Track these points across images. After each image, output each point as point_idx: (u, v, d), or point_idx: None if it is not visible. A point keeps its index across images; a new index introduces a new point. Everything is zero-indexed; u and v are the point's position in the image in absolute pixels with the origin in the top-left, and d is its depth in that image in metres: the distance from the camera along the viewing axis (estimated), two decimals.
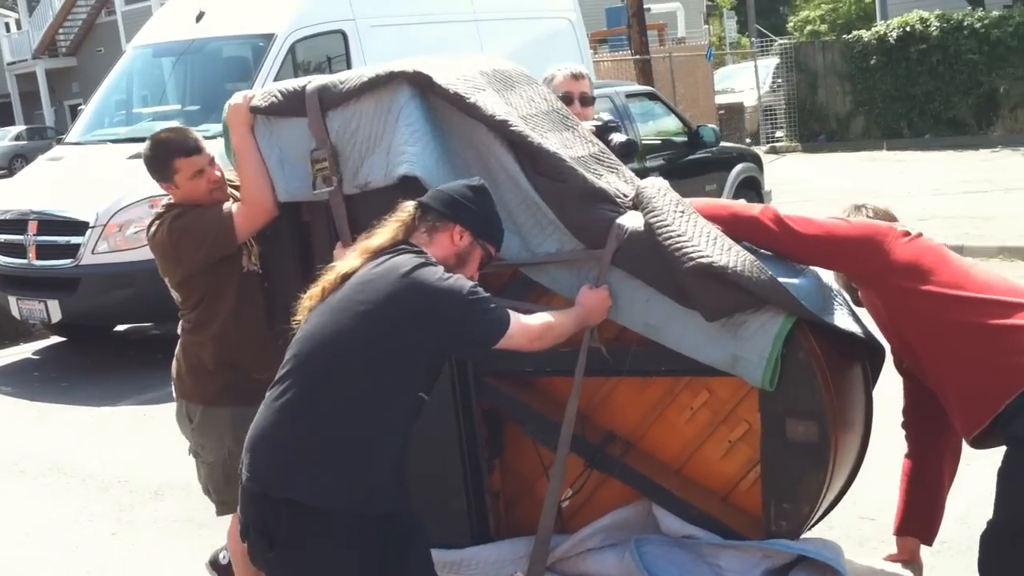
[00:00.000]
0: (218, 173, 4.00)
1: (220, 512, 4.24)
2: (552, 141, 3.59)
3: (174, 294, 4.14)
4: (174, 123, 4.89)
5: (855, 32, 23.06)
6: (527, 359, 3.52)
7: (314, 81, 3.88)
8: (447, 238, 3.17)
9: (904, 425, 3.55)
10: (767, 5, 45.42)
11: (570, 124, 3.78)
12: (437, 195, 3.23)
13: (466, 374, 3.78)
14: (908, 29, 21.03)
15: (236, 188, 4.07)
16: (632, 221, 3.44)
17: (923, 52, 20.84)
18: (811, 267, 3.44)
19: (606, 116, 5.13)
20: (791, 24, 40.26)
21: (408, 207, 3.24)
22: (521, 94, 3.76)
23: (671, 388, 3.61)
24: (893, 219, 3.51)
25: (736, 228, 3.39)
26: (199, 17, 10.97)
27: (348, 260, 3.18)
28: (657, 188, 3.44)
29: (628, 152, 4.91)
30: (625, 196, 3.54)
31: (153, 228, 4.04)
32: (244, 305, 4.06)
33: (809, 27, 38.88)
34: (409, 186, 3.59)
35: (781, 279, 3.22)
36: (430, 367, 3.14)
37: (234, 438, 4.02)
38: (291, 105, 3.87)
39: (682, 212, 3.37)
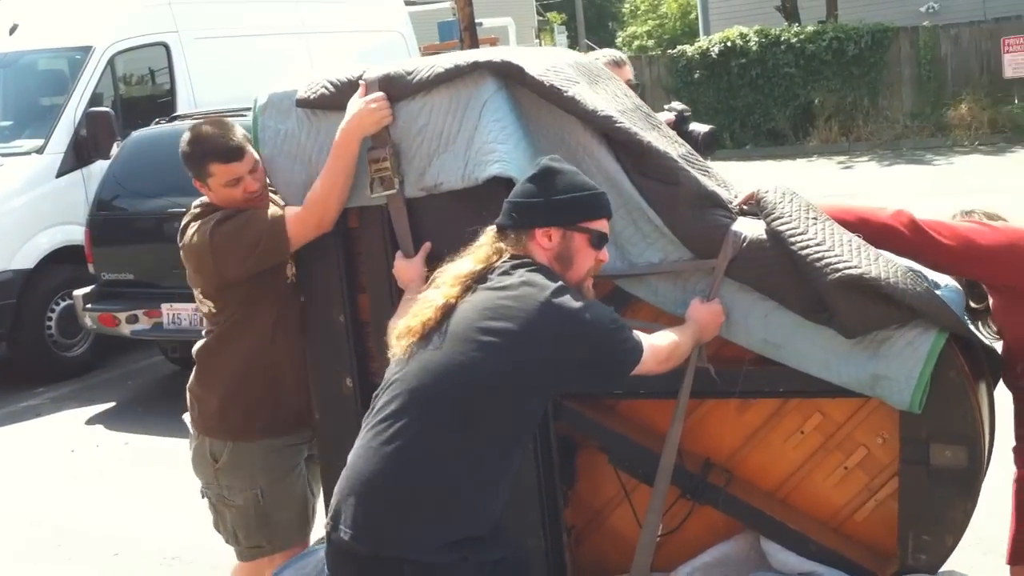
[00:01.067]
0: (256, 184, 3.52)
1: (246, 558, 3.74)
2: (654, 140, 3.28)
3: (202, 305, 3.63)
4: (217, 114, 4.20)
5: (679, 47, 23.44)
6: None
7: (370, 70, 3.45)
8: (537, 247, 2.83)
9: (1017, 449, 3.38)
10: (596, 21, 46.12)
11: (654, 122, 3.46)
12: (505, 209, 2.89)
13: None
14: (729, 44, 21.51)
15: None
16: (748, 228, 3.17)
17: (743, 66, 21.34)
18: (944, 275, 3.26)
19: (678, 105, 4.81)
20: (619, 39, 40.77)
21: (488, 234, 2.89)
22: (607, 88, 3.43)
23: (776, 410, 3.35)
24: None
25: (865, 234, 3.15)
26: (12, 30, 10.72)
27: (443, 290, 2.79)
28: (781, 193, 3.18)
29: (712, 142, 4.65)
30: (731, 201, 3.28)
31: (190, 232, 3.52)
32: (283, 319, 3.62)
33: (637, 42, 39.47)
34: (490, 188, 3.23)
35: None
36: (547, 401, 2.82)
37: (266, 475, 3.58)
38: (343, 97, 3.44)
39: (815, 218, 3.12)
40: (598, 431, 3.47)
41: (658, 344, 2.92)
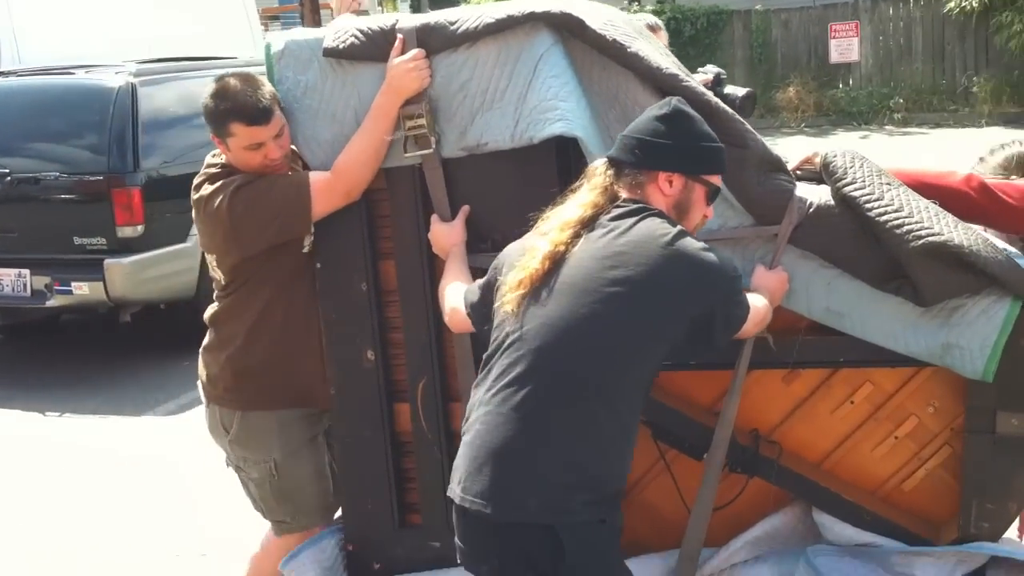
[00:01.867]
0: (279, 152, 3.23)
1: (279, 532, 3.51)
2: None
3: (215, 272, 3.35)
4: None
5: None
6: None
7: (405, 20, 3.22)
8: (656, 191, 2.70)
9: None
10: None
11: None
12: (625, 144, 2.72)
13: None
14: None
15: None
16: (813, 194, 3.10)
17: None
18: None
19: (712, 68, 4.69)
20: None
21: (597, 168, 2.73)
22: (658, 48, 3.29)
23: (824, 380, 3.28)
24: None
25: (933, 199, 3.10)
26: None
27: (551, 237, 2.62)
28: (851, 157, 3.11)
29: (750, 105, 4.54)
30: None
31: (207, 193, 3.22)
32: (297, 288, 3.36)
33: None
34: (540, 149, 3.07)
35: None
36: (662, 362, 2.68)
37: (281, 447, 3.35)
38: (376, 48, 3.19)
39: (889, 184, 3.06)
40: (658, 409, 3.33)
41: (756, 305, 2.82)
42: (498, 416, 2.52)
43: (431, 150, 3.17)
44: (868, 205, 2.97)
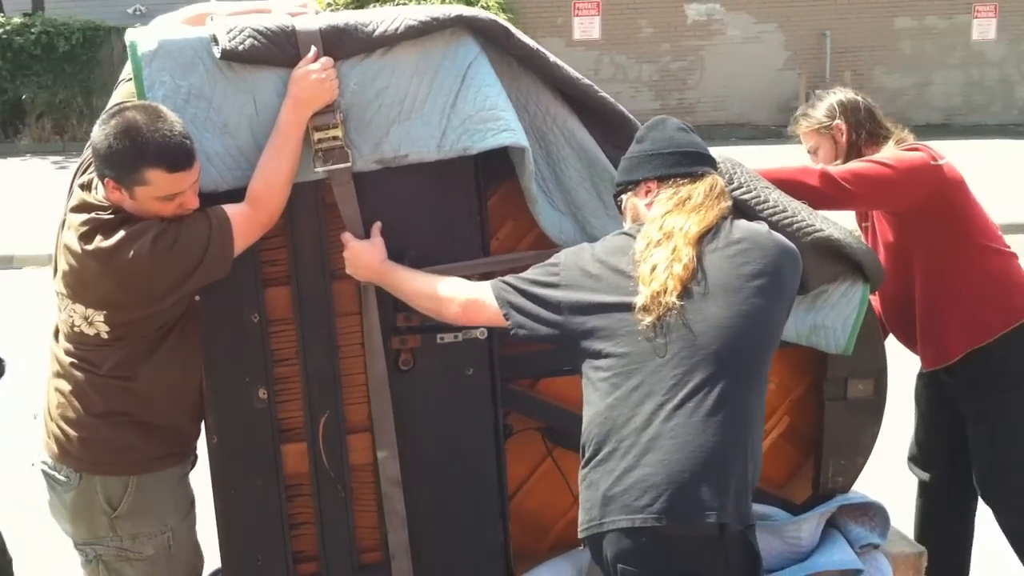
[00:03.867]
0: (196, 200, 2.79)
1: None
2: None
3: (88, 327, 2.82)
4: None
5: None
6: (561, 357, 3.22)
7: (306, 21, 2.94)
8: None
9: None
10: None
11: None
12: (690, 156, 2.83)
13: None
14: None
15: None
16: None
17: None
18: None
19: None
20: None
21: (708, 183, 2.79)
22: None
23: None
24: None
25: (796, 194, 3.42)
26: None
27: (683, 252, 2.60)
28: (732, 164, 3.34)
29: None
30: None
31: (112, 245, 2.70)
32: (191, 332, 2.96)
33: None
34: (462, 161, 3.02)
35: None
36: None
37: (176, 511, 3.00)
38: (279, 51, 2.89)
39: (767, 186, 3.33)
40: (545, 410, 3.35)
41: None
42: (695, 425, 2.46)
43: (349, 164, 2.93)
44: (760, 207, 3.24)
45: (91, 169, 2.82)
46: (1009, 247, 3.81)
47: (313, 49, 2.87)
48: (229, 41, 2.84)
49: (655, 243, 2.63)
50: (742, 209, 3.20)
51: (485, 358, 3.16)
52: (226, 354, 2.99)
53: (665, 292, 2.54)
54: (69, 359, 2.87)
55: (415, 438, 3.12)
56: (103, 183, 2.73)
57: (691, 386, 2.49)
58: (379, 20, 2.95)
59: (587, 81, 3.14)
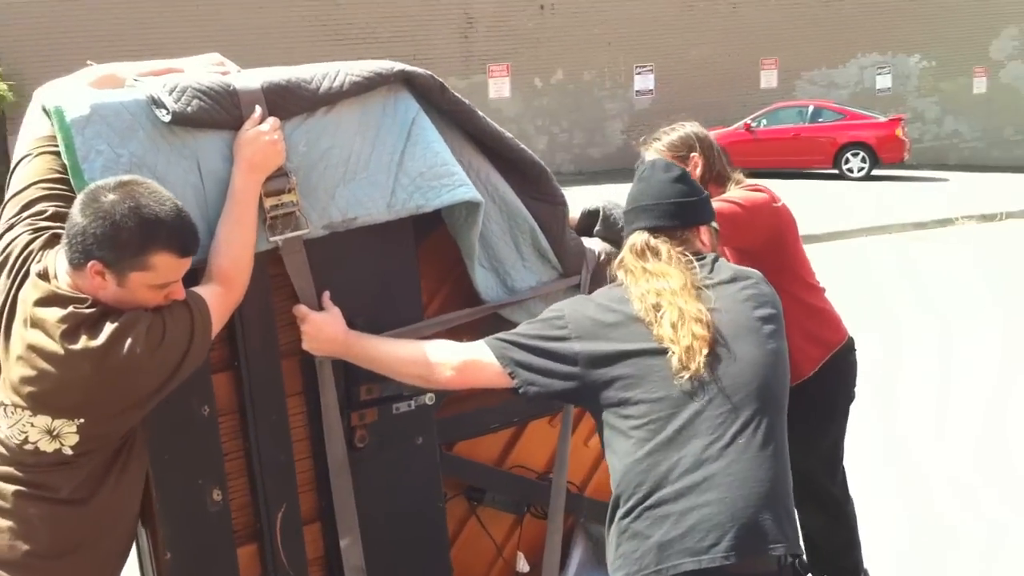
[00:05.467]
0: (183, 292, 2.43)
1: None
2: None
3: (72, 436, 2.36)
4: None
5: None
6: (493, 415, 3.20)
7: (244, 78, 2.67)
8: (699, 241, 2.86)
9: None
10: None
11: None
12: (666, 211, 2.82)
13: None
14: None
15: None
16: (594, 244, 3.36)
17: None
18: None
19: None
20: None
21: (660, 244, 2.77)
22: None
23: (578, 417, 3.53)
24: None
25: None
26: None
27: (692, 306, 2.61)
28: (613, 204, 3.41)
29: None
30: None
31: (103, 344, 2.27)
32: (141, 439, 2.56)
33: None
34: (413, 220, 2.92)
35: None
36: None
37: None
38: (224, 112, 2.63)
39: None
40: (472, 470, 3.25)
41: None
42: (749, 461, 2.48)
43: (305, 230, 2.69)
44: None
45: (36, 256, 2.38)
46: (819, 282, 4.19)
47: (258, 109, 2.63)
48: (175, 102, 2.52)
49: (653, 306, 2.64)
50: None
51: (431, 425, 3.01)
52: (176, 455, 2.62)
53: (694, 349, 2.55)
54: (13, 487, 2.37)
55: (372, 519, 2.91)
56: (76, 268, 2.31)
57: (739, 423, 2.52)
58: (320, 75, 2.75)
59: (507, 133, 3.09)
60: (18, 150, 2.66)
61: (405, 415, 2.94)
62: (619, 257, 2.84)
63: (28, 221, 2.46)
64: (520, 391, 2.68)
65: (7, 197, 2.55)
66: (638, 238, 2.79)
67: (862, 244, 14.74)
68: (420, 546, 3.02)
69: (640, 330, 2.61)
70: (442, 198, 2.83)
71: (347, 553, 2.85)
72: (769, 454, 2.52)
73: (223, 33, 19.89)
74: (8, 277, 2.40)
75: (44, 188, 2.52)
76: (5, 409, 2.36)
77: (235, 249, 2.53)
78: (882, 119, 23.62)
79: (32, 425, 2.34)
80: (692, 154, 3.92)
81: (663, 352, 2.56)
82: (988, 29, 27.77)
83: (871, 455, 5.74)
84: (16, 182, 2.56)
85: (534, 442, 3.43)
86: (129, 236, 2.27)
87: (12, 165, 2.62)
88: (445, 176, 2.84)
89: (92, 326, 2.28)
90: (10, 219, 2.49)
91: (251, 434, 2.74)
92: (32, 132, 2.67)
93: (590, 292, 3.18)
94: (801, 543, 2.63)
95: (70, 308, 2.28)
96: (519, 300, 3.15)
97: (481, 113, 3.03)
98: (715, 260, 2.79)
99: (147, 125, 2.52)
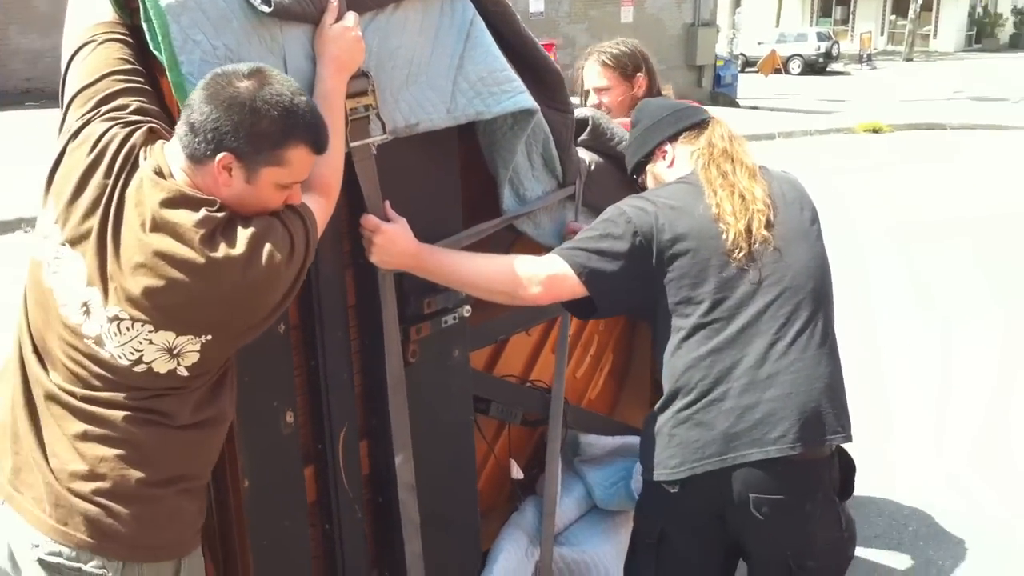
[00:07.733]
0: (300, 196, 2.23)
1: None
2: None
3: (193, 355, 2.12)
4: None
5: None
6: (503, 325, 3.21)
7: None
8: None
9: None
10: None
11: None
12: (686, 112, 3.00)
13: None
14: None
15: None
16: (583, 154, 3.36)
17: None
18: None
19: None
20: None
21: (720, 124, 2.93)
22: None
23: (547, 327, 3.55)
24: None
25: None
26: None
27: (756, 189, 2.74)
28: (607, 119, 3.40)
29: None
30: None
31: (245, 252, 2.06)
32: (232, 367, 2.36)
33: None
34: (463, 129, 2.83)
35: None
36: None
37: None
38: (310, 6, 2.41)
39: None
40: (487, 381, 3.23)
41: None
42: (811, 359, 2.64)
43: (383, 136, 2.54)
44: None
45: (139, 151, 2.11)
46: None
47: (334, 2, 2.43)
48: None
49: (720, 187, 2.74)
50: (620, 160, 3.31)
51: (467, 338, 2.95)
52: (255, 377, 2.43)
53: (752, 227, 2.67)
54: (123, 413, 2.12)
55: (421, 436, 2.82)
56: (199, 163, 2.07)
57: (800, 323, 2.67)
58: None
59: (535, 39, 3.01)
60: (71, 36, 2.35)
61: (448, 329, 2.86)
62: (692, 152, 2.89)
63: (111, 115, 2.19)
64: (594, 297, 2.69)
65: (75, 88, 2.24)
66: (716, 131, 2.89)
67: None
68: (454, 459, 2.98)
69: (706, 224, 2.69)
70: (503, 104, 2.73)
71: (400, 470, 2.76)
72: (826, 351, 2.69)
73: None
74: (107, 176, 2.12)
75: (120, 80, 2.24)
76: (120, 325, 2.09)
77: (332, 156, 2.35)
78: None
79: (151, 342, 2.09)
80: (639, 74, 3.84)
81: (725, 244, 2.66)
82: None
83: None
84: (82, 73, 2.26)
85: (513, 351, 3.44)
86: (270, 125, 2.06)
87: (69, 53, 2.31)
88: (505, 82, 2.74)
89: (227, 232, 2.07)
90: (85, 114, 2.19)
91: (318, 351, 2.58)
92: (84, 17, 2.36)
93: (585, 202, 3.23)
94: (849, 429, 2.80)
95: (202, 211, 2.05)
96: (529, 211, 3.11)
97: (519, 17, 2.94)
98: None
99: (240, 15, 2.27)
